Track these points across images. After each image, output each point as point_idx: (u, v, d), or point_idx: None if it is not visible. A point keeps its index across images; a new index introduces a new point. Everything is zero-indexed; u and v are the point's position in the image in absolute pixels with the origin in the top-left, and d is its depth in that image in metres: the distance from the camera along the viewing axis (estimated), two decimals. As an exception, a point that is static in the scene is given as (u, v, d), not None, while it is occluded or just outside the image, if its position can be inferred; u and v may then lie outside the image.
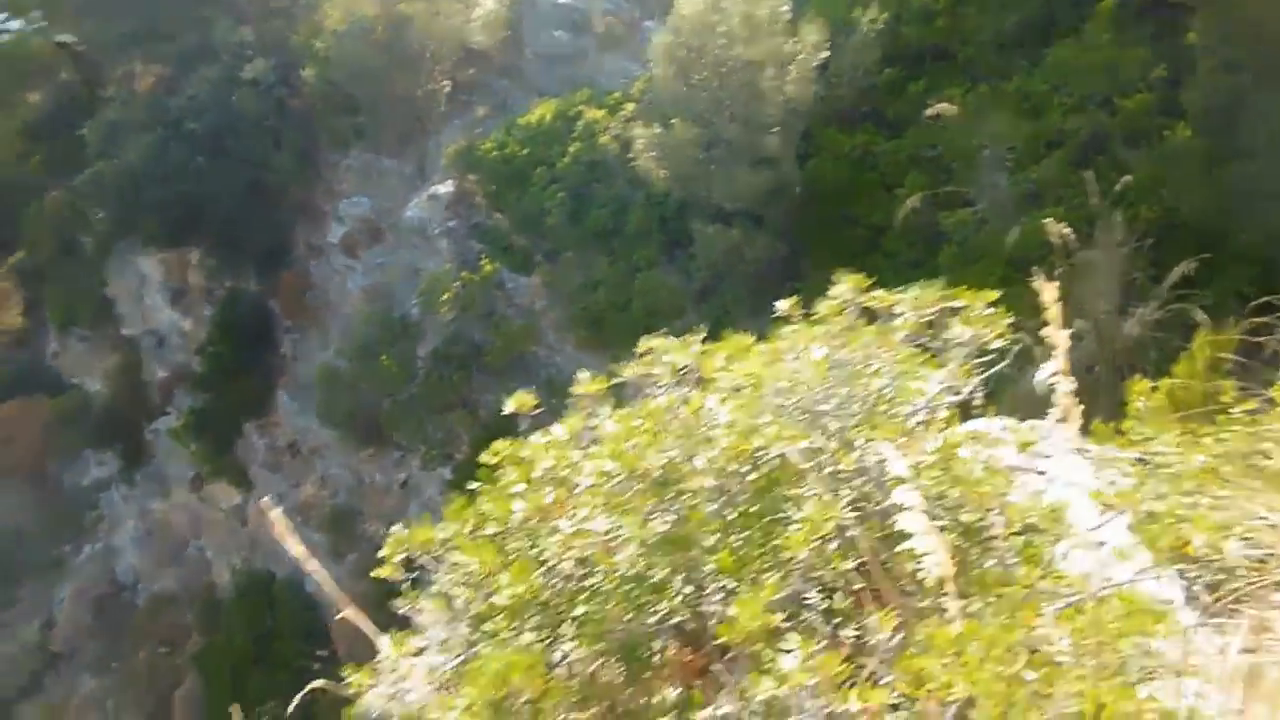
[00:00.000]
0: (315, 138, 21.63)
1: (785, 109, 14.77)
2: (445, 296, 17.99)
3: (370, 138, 20.80)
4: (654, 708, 1.81)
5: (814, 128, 15.73)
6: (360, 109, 20.53)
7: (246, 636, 20.53)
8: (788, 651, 1.58)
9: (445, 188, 19.28)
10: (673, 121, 14.93)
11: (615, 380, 2.40)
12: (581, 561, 1.90)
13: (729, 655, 2.13)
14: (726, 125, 14.76)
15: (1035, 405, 2.97)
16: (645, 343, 2.42)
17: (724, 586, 1.81)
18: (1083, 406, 2.74)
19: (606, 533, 1.87)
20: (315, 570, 1.88)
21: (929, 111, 14.54)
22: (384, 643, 2.18)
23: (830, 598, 1.82)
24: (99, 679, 23.53)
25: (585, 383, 2.31)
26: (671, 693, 1.85)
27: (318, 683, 2.40)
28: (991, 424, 2.71)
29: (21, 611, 26.81)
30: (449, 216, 18.99)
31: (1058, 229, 9.89)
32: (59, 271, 27.97)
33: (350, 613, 2.03)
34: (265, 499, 2.02)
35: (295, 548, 1.86)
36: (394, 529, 2.14)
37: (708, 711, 1.78)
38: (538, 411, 2.80)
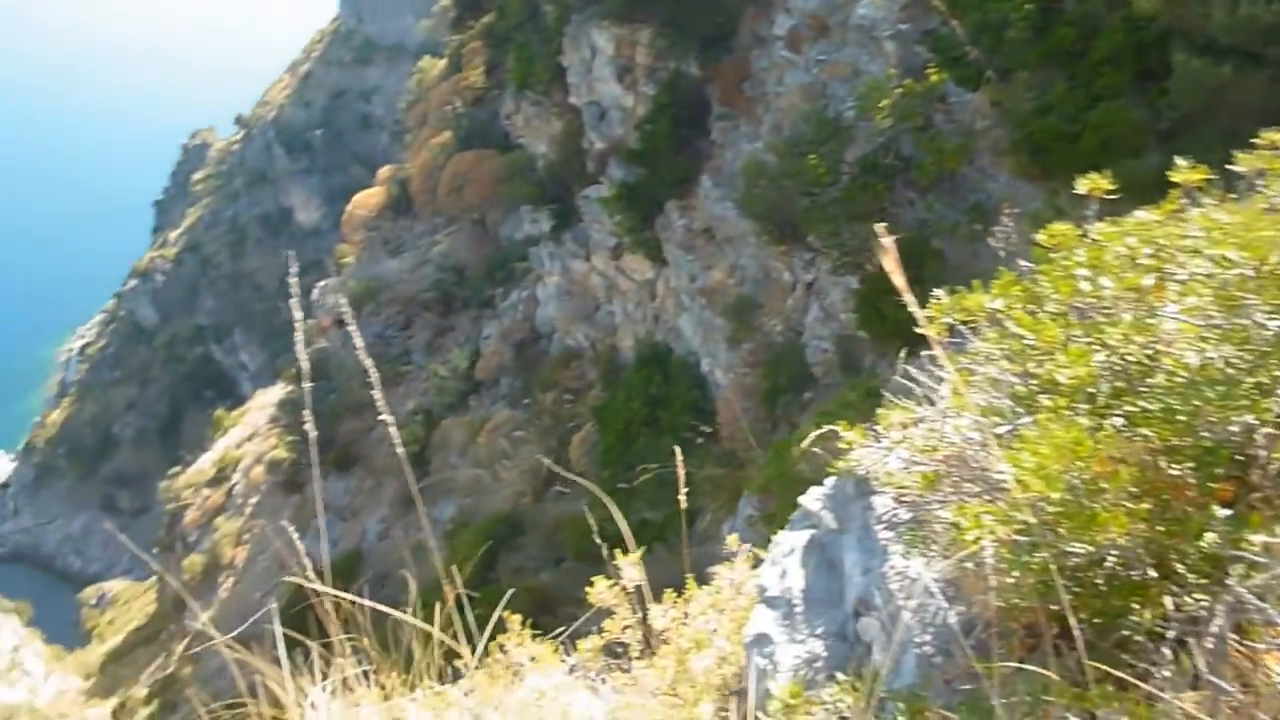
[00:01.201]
0: (776, -77, 21.25)
1: (1321, -73, 12.62)
2: (883, 103, 17.49)
3: (832, -73, 20.13)
4: (1203, 519, 1.72)
5: (1351, -48, 13.35)
6: (826, -105, 19.84)
7: (641, 399, 22.07)
8: None
9: (902, -12, 18.42)
10: (1176, -66, 13.22)
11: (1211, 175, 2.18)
12: (1152, 355, 1.79)
13: (1255, 494, 1.97)
14: (1241, -58, 12.88)
15: None
16: (1267, 135, 2.18)
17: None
18: None
19: (1209, 327, 1.75)
20: (910, 297, 1.89)
21: None
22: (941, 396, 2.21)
23: None
24: (511, 410, 26.42)
25: (1182, 171, 2.12)
26: (1220, 510, 1.74)
27: (821, 432, 2.49)
28: None
29: (456, 339, 30.43)
30: (902, 19, 18.22)
31: None
32: (521, 36, 29.93)
33: (936, 344, 2.03)
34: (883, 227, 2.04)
35: (897, 278, 1.87)
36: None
37: (1262, 536, 1.67)
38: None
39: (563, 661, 3.76)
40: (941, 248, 17.17)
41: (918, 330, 2.19)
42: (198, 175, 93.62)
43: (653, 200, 22.73)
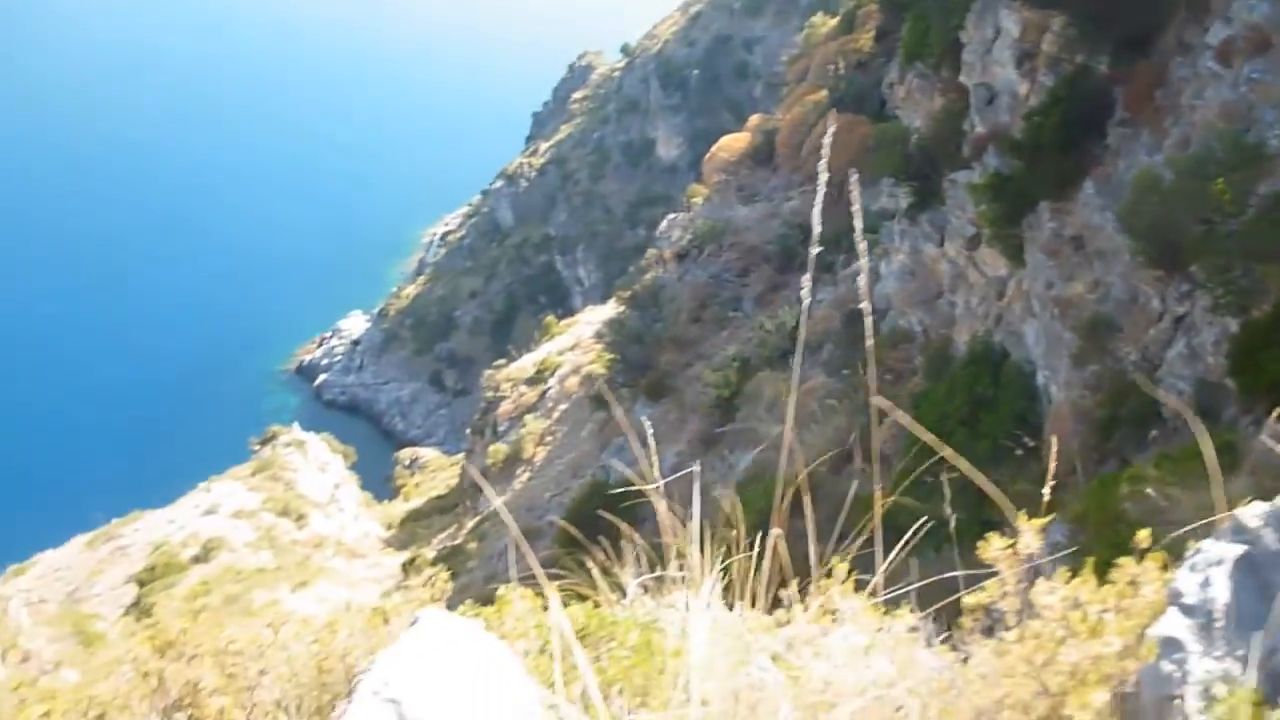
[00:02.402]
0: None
1: None
2: (1319, 136, 15.66)
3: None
4: None
5: None
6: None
7: (964, 397, 21.25)
8: None
9: (1373, 11, 16.34)
10: None
11: None
12: None
13: None
14: None
15: None
16: None
17: None
18: None
19: None
20: None
21: None
22: None
23: None
24: (827, 378, 26.23)
25: None
26: None
27: None
28: None
29: (788, 297, 30.49)
30: (1364, 46, 16.19)
31: None
32: (922, 7, 29.12)
33: None
34: None
35: None
36: None
37: None
38: None
39: (885, 620, 3.68)
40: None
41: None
42: (576, 95, 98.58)
43: (1025, 196, 21.58)
